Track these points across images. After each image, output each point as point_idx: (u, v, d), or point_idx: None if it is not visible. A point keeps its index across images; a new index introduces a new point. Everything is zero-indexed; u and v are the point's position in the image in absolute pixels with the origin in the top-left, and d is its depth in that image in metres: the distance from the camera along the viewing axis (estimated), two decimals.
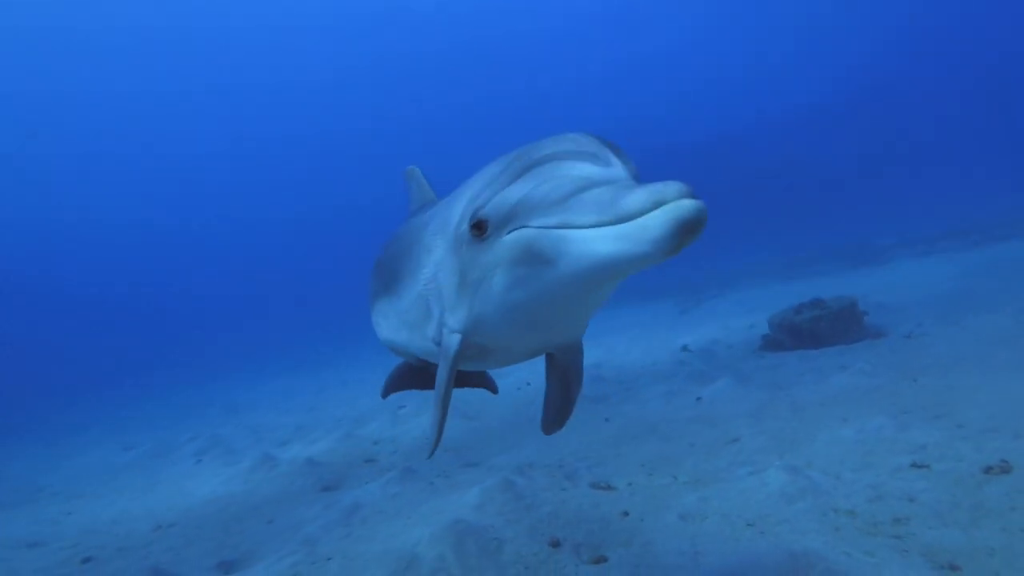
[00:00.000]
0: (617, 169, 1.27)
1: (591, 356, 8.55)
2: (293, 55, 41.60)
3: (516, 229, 1.26)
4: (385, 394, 3.18)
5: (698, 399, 5.23)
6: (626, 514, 3.20)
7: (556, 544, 2.92)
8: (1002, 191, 20.20)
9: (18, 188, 42.53)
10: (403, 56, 42.38)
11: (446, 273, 1.59)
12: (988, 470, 2.90)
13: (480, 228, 1.36)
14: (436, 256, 1.68)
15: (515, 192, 1.28)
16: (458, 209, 1.54)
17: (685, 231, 1.00)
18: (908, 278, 9.93)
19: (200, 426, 9.18)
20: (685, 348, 7.83)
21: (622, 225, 1.05)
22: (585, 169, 1.24)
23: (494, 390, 3.27)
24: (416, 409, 7.14)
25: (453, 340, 1.62)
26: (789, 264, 16.65)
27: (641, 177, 1.33)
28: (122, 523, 4.70)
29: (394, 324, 2.16)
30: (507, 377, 8.06)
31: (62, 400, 16.60)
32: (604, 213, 1.08)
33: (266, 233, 51.63)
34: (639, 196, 1.03)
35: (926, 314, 6.66)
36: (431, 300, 1.74)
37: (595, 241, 1.10)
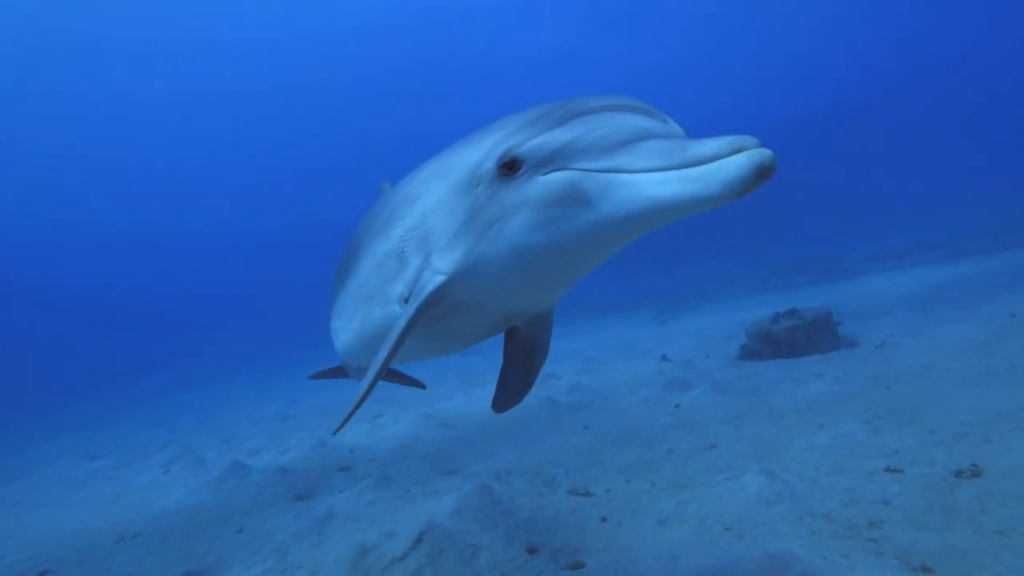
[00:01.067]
0: (675, 126, 1.30)
1: (571, 365, 8.58)
2: (294, 60, 41.37)
3: (558, 170, 1.26)
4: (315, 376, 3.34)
5: (677, 406, 5.25)
6: (604, 520, 3.18)
7: (533, 550, 2.88)
8: (967, 209, 20.90)
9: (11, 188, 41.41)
10: (405, 62, 42.39)
11: (443, 215, 1.52)
12: (959, 474, 2.94)
13: (511, 167, 1.33)
14: (428, 202, 1.59)
15: (561, 135, 1.27)
16: (471, 153, 1.49)
17: (763, 176, 1.05)
18: (879, 290, 10.17)
19: (171, 435, 8.92)
20: (664, 357, 7.87)
21: (690, 169, 1.09)
22: (643, 121, 1.26)
23: (422, 385, 3.41)
24: (393, 418, 7.05)
25: (435, 280, 1.51)
26: (764, 277, 16.95)
27: None
28: (83, 534, 4.51)
29: (349, 311, 2.05)
30: (485, 386, 8.02)
31: (32, 407, 16.02)
32: (670, 158, 1.12)
33: (254, 238, 51.00)
34: (715, 143, 1.07)
35: (897, 325, 6.81)
36: (409, 250, 1.63)
37: (653, 184, 1.13)
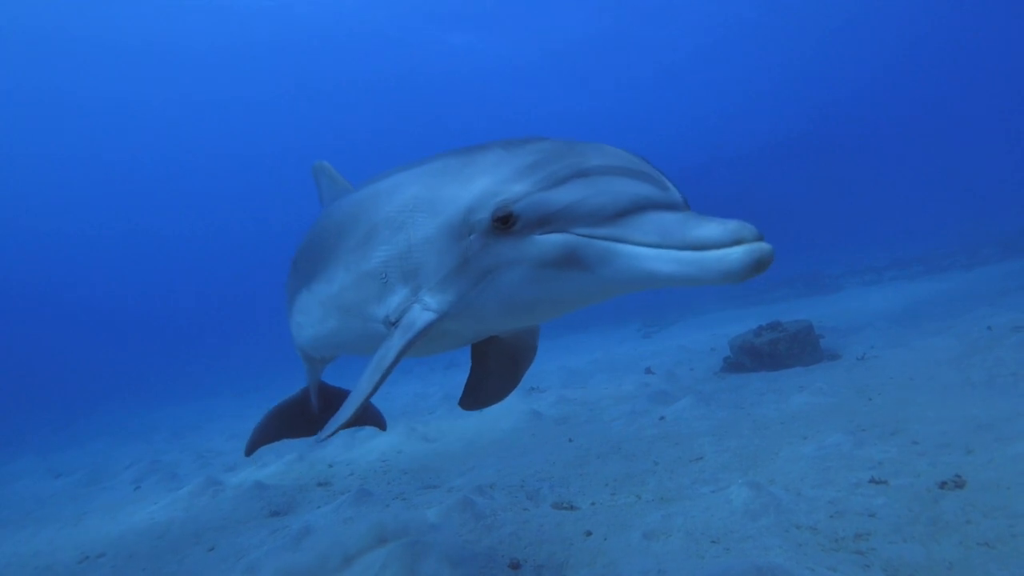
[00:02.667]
0: (674, 194, 1.29)
1: (555, 378, 8.52)
2: (294, 64, 41.18)
3: (557, 232, 1.26)
4: (251, 450, 3.10)
5: (661, 419, 5.21)
6: (589, 534, 3.11)
7: (516, 566, 2.79)
8: (942, 226, 21.42)
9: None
10: (408, 68, 42.42)
11: (433, 254, 1.52)
12: (943, 485, 2.93)
13: (506, 222, 1.32)
14: (415, 235, 1.58)
15: (561, 196, 1.27)
16: (461, 193, 1.47)
17: (759, 269, 1.08)
18: (859, 304, 10.31)
19: (142, 451, 8.65)
20: (649, 370, 7.85)
21: (690, 252, 1.11)
22: (644, 188, 1.26)
23: (383, 426, 3.41)
24: (374, 431, 6.89)
25: (425, 317, 1.54)
26: (745, 291, 17.10)
27: None
28: (44, 555, 4.30)
29: (320, 314, 2.05)
30: None
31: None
32: (671, 237, 1.14)
33: (233, 250, 50.34)
34: (717, 229, 1.10)
35: (878, 337, 6.88)
36: (394, 278, 1.64)
37: (651, 259, 1.15)
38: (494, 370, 1.97)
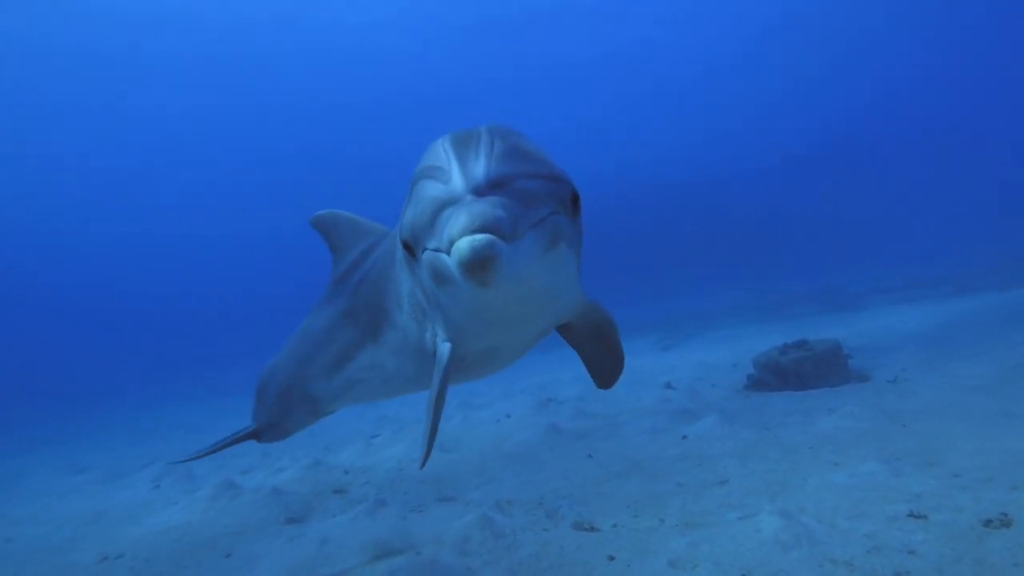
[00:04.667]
0: (455, 184, 1.14)
1: (574, 390, 8.41)
2: (296, 69, 41.85)
3: (424, 250, 1.24)
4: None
5: (684, 437, 5.09)
6: (612, 559, 3.02)
7: None
8: (973, 245, 20.89)
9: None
10: (410, 74, 42.85)
11: (418, 289, 1.60)
12: (988, 523, 2.79)
13: (408, 249, 1.36)
14: (403, 281, 1.73)
15: (409, 215, 1.28)
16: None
17: (471, 272, 1.00)
18: (886, 324, 10.04)
19: (160, 449, 8.71)
20: (668, 385, 7.72)
21: (447, 256, 1.07)
22: (433, 189, 1.18)
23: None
24: (390, 438, 6.87)
25: (444, 349, 1.60)
26: (765, 306, 16.82)
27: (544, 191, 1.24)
28: (64, 553, 4.32)
29: (396, 363, 2.07)
30: (486, 409, 7.84)
31: (14, 418, 15.74)
32: (441, 244, 1.09)
33: (251, 249, 50.99)
34: (446, 232, 1.04)
35: (909, 360, 6.67)
36: (417, 319, 1.75)
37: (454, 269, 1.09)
38: (591, 352, 2.08)
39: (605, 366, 2.12)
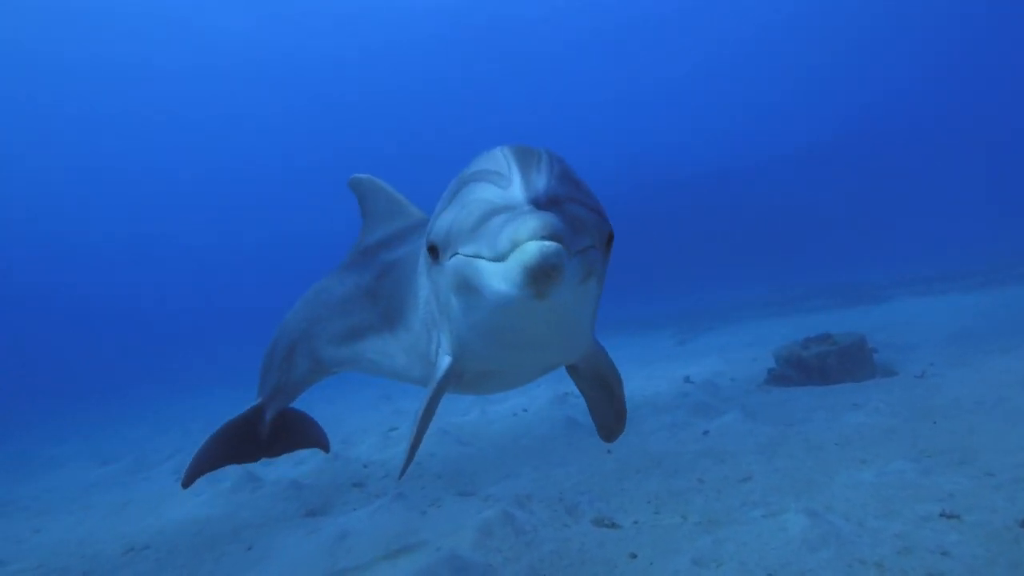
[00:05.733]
0: (515, 190, 1.11)
1: None
2: (296, 71, 42.13)
3: (454, 255, 1.19)
4: (189, 481, 2.74)
5: (705, 433, 5.02)
6: (634, 556, 2.98)
7: None
8: (998, 237, 20.35)
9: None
10: (412, 74, 42.89)
11: (433, 296, 1.57)
12: None
13: (433, 252, 1.31)
14: (423, 287, 1.69)
15: (447, 216, 1.24)
16: (423, 240, 1.52)
17: (534, 278, 0.95)
18: (911, 317, 9.82)
19: (181, 441, 8.84)
20: (688, 379, 7.63)
21: (500, 264, 1.01)
22: (487, 192, 1.15)
23: (326, 448, 3.40)
24: (408, 432, 6.88)
25: (444, 362, 1.57)
26: (784, 299, 16.57)
27: (597, 204, 1.27)
28: (91, 544, 4.40)
29: (405, 361, 2.06)
30: (503, 403, 7.82)
31: (44, 409, 16.11)
32: (490, 248, 1.03)
33: (266, 248, 51.54)
34: (508, 233, 0.98)
35: (936, 354, 6.51)
36: (428, 327, 1.73)
37: (493, 276, 1.05)
38: (594, 399, 2.00)
39: (608, 418, 2.04)
